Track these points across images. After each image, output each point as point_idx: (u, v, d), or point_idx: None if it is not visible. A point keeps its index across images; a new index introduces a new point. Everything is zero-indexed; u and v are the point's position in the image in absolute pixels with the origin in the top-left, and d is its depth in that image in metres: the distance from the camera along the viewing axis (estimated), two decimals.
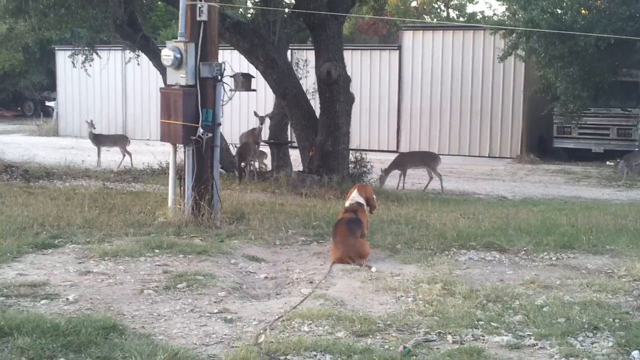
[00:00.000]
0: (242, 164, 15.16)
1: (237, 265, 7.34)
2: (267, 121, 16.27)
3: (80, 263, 7.05)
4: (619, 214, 10.79)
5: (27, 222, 8.57)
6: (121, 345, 4.71)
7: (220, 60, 9.36)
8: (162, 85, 12.04)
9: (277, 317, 5.53)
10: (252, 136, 16.16)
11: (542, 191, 16.17)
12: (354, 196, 8.06)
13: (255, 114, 15.98)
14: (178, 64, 9.05)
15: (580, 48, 18.29)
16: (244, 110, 24.66)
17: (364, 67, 25.08)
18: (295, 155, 15.75)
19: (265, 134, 16.84)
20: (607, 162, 21.44)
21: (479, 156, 23.75)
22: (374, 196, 8.36)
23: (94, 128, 18.87)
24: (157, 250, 7.54)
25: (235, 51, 14.94)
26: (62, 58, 28.08)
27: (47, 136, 28.56)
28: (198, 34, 9.10)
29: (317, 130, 13.64)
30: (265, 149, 16.54)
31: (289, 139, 17.36)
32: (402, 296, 6.17)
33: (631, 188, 17.04)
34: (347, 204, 8.07)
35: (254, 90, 12.16)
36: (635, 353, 4.77)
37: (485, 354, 4.78)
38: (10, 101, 39.39)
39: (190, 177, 9.18)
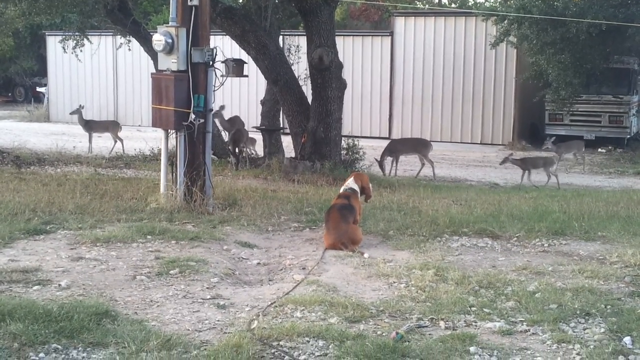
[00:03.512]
0: (236, 149, 15.16)
1: (229, 252, 7.33)
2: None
3: (72, 249, 7.02)
4: (610, 201, 10.81)
5: (18, 208, 8.53)
6: (114, 331, 4.71)
7: (212, 46, 9.31)
8: (154, 71, 11.99)
9: (269, 303, 5.53)
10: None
11: (533, 178, 16.19)
12: (349, 182, 8.08)
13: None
14: (169, 49, 9.00)
15: (572, 35, 18.31)
16: (236, 96, 24.64)
17: (356, 53, 25.01)
18: (287, 141, 15.73)
19: (257, 120, 16.82)
20: (599, 149, 21.51)
21: (471, 143, 23.77)
22: (370, 185, 8.38)
23: (75, 112, 18.75)
24: (149, 236, 7.52)
25: (227, 37, 14.88)
26: (53, 43, 27.87)
27: (38, 122, 28.42)
28: (189, 19, 9.03)
29: (309, 116, 13.62)
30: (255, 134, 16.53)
31: (281, 125, 17.33)
32: (394, 282, 6.17)
33: (622, 175, 17.10)
34: (341, 190, 8.08)
35: (246, 76, 12.11)
36: (627, 339, 4.79)
37: (477, 339, 4.78)
38: (0, 87, 39.16)
39: (182, 163, 9.14)
